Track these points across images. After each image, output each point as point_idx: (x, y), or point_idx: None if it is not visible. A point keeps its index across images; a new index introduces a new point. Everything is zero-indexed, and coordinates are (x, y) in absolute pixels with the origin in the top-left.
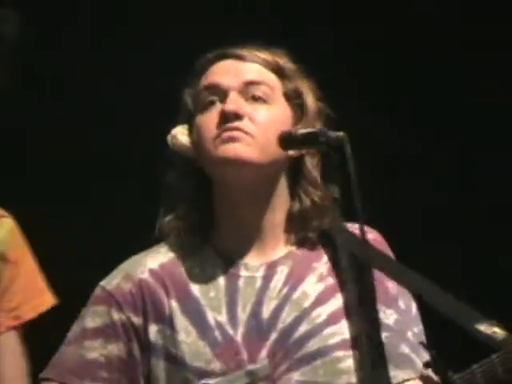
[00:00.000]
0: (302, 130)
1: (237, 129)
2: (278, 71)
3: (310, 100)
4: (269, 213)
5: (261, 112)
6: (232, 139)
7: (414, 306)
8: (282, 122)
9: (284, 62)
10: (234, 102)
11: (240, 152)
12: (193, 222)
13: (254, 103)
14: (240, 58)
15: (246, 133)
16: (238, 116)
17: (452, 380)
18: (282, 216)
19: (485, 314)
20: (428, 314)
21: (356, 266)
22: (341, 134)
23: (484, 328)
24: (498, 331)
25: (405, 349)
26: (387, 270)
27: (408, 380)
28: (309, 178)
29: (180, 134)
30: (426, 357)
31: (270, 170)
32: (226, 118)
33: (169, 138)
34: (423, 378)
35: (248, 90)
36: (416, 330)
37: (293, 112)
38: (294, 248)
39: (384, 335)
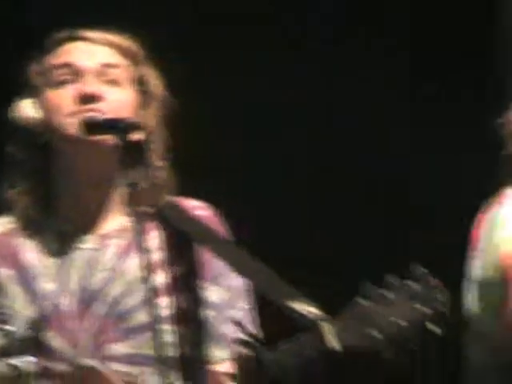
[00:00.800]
0: (105, 117)
1: (94, 111)
2: (127, 55)
3: (156, 87)
4: (110, 191)
5: (116, 95)
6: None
7: (244, 283)
8: (131, 105)
9: (132, 47)
10: (93, 85)
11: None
12: (36, 196)
13: (109, 86)
14: (91, 40)
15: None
16: (97, 98)
17: (262, 358)
18: (122, 192)
19: None
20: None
21: (182, 243)
22: (137, 121)
23: (297, 306)
24: (311, 310)
25: (226, 328)
26: (212, 247)
27: (226, 360)
28: (146, 161)
29: (26, 107)
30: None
31: (117, 152)
32: (85, 99)
33: (13, 109)
34: (237, 356)
35: (104, 72)
36: (245, 306)
37: (138, 97)
38: (128, 221)
39: (208, 313)
